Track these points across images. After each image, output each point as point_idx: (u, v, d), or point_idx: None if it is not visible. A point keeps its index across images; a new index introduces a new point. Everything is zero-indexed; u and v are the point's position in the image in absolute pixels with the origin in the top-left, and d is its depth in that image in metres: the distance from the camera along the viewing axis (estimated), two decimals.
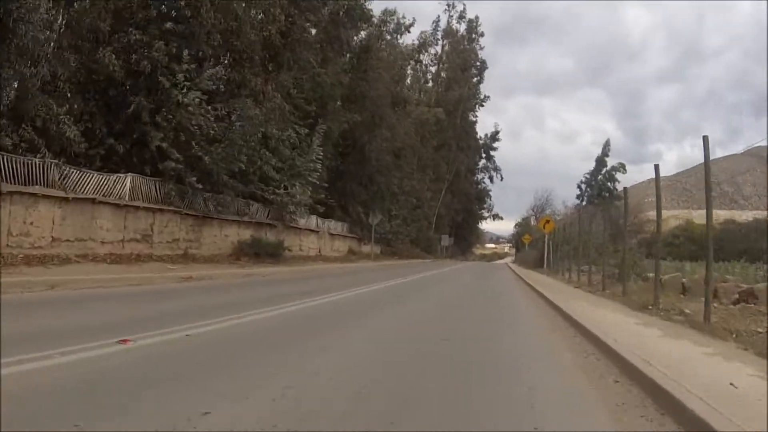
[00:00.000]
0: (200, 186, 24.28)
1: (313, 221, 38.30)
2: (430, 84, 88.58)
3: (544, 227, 43.86)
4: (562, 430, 4.52)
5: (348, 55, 45.84)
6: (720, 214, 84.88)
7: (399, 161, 55.65)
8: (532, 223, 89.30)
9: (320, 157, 32.15)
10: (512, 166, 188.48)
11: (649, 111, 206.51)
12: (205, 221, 25.86)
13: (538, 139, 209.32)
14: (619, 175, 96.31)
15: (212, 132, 23.97)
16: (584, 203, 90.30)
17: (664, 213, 52.23)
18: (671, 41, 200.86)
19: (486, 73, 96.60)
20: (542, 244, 46.81)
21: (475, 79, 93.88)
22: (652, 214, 25.58)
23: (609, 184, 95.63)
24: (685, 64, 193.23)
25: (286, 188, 29.53)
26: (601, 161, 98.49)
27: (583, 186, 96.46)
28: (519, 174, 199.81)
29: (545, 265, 42.88)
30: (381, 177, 47.46)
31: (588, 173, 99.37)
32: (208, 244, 26.10)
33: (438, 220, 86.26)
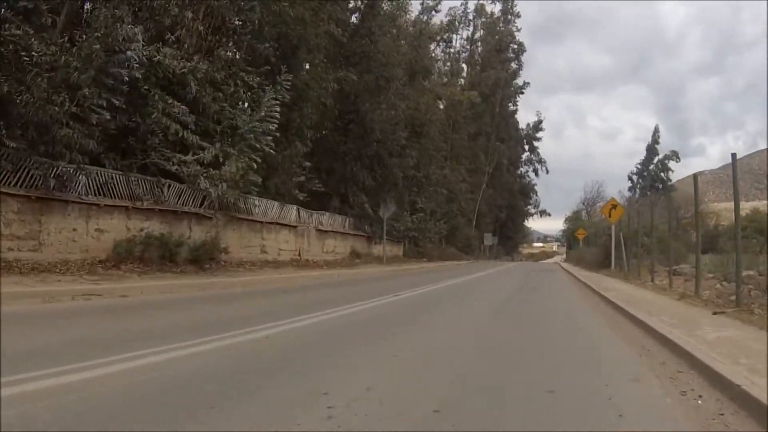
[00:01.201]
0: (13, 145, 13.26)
1: (292, 213, 26.74)
2: (463, 66, 76.15)
3: (609, 215, 31.46)
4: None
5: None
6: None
7: (420, 141, 43.65)
8: (584, 217, 75.98)
9: (275, 115, 20.54)
10: (555, 165, 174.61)
11: (690, 105, 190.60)
12: (48, 206, 14.68)
13: (580, 137, 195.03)
14: (672, 165, 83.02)
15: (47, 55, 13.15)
16: (637, 195, 77.30)
17: (716, 206, 45.47)
18: (708, 33, 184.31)
19: (524, 72, 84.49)
20: (606, 237, 34.31)
21: (513, 64, 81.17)
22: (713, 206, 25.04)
23: (662, 174, 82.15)
24: (723, 56, 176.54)
25: (196, 154, 18.01)
26: (652, 149, 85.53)
27: (635, 177, 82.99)
28: (563, 173, 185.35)
29: (612, 265, 30.43)
30: (392, 157, 35.59)
31: (639, 164, 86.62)
32: (56, 244, 14.85)
33: (479, 217, 73.97)
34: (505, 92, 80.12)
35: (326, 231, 31.64)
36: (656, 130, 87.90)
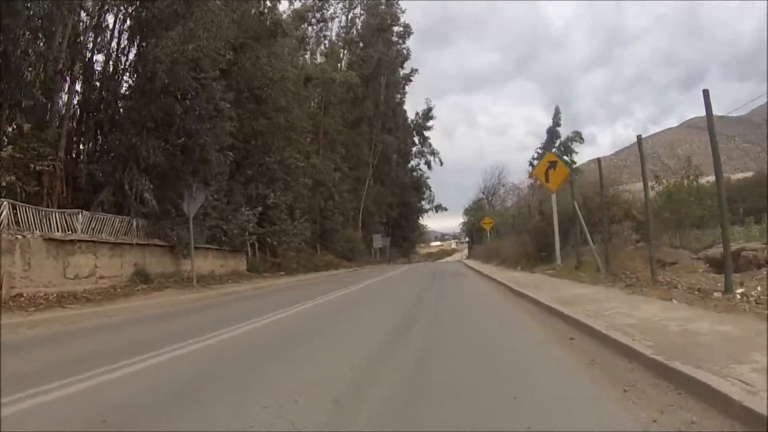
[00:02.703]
0: None
1: None
2: (342, 50, 62.58)
3: (546, 179, 18.79)
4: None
5: None
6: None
7: (263, 109, 29.81)
8: (486, 207, 64.02)
9: None
10: (450, 165, 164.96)
11: (579, 97, 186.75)
12: None
13: (473, 135, 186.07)
14: (576, 146, 73.21)
15: None
16: (538, 181, 66.49)
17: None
18: (594, 28, 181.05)
19: (415, 77, 72.20)
20: (539, 218, 21.62)
21: (398, 47, 68.64)
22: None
23: (566, 156, 71.94)
24: (610, 49, 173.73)
25: None
26: (553, 132, 75.58)
27: (536, 162, 72.25)
28: (457, 172, 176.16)
29: (558, 258, 17.97)
30: (195, 121, 21.33)
31: (540, 147, 76.28)
32: None
33: (367, 217, 60.90)
34: (390, 79, 67.74)
35: (75, 242, 17.15)
36: (557, 112, 77.95)
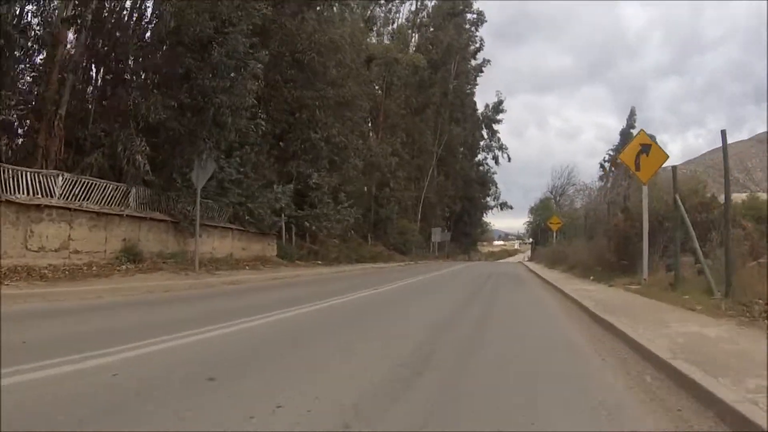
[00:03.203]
0: None
1: None
2: (411, 33, 58.11)
3: (636, 166, 13.76)
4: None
5: None
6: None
7: (310, 76, 26.00)
8: (554, 207, 58.17)
9: None
10: (517, 164, 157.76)
11: (651, 104, 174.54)
12: None
13: (542, 137, 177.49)
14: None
15: None
16: (609, 185, 60.16)
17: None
18: (669, 35, 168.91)
19: (486, 72, 66.86)
20: (625, 218, 16.55)
21: (469, 35, 63.50)
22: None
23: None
24: (685, 57, 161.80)
25: None
26: (626, 134, 68.83)
27: (607, 165, 65.80)
28: (524, 173, 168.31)
29: (645, 269, 12.98)
30: (209, 77, 17.58)
31: (611, 150, 69.95)
32: None
33: (427, 209, 56.37)
34: (461, 67, 62.67)
35: (42, 207, 13.77)
36: (632, 113, 71.59)
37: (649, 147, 13.79)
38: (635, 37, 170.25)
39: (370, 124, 42.80)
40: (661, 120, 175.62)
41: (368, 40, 47.56)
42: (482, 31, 66.61)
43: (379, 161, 35.05)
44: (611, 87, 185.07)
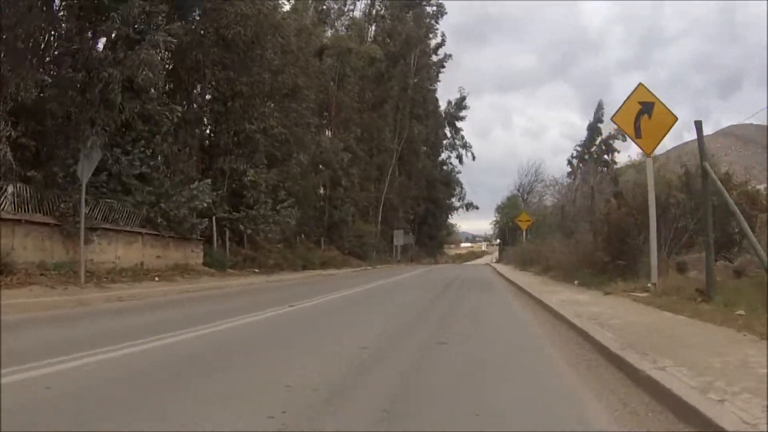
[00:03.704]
0: None
1: None
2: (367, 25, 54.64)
3: (636, 132, 10.42)
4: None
5: None
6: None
7: (230, 54, 22.36)
8: (521, 206, 55.18)
9: None
10: (482, 165, 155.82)
11: (617, 100, 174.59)
12: None
13: (507, 137, 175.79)
14: (618, 144, 64.14)
15: None
16: (576, 181, 57.67)
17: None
18: (630, 29, 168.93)
19: (450, 72, 63.28)
20: (619, 206, 13.21)
21: (428, 27, 60.35)
22: None
23: (607, 156, 63.09)
24: (647, 51, 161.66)
25: None
26: (594, 129, 66.16)
27: (575, 161, 63.46)
28: (490, 173, 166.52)
29: (654, 273, 9.67)
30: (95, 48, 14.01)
31: (579, 145, 67.31)
32: None
33: (389, 211, 52.98)
34: (421, 61, 59.50)
35: None
36: (600, 106, 67.90)
37: (651, 106, 10.48)
38: (597, 33, 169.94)
39: (324, 120, 39.28)
40: (611, 130, 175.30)
41: (323, 32, 44.19)
42: (443, 27, 63.86)
43: (330, 157, 31.46)
44: (575, 84, 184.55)
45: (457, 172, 70.37)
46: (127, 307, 11.42)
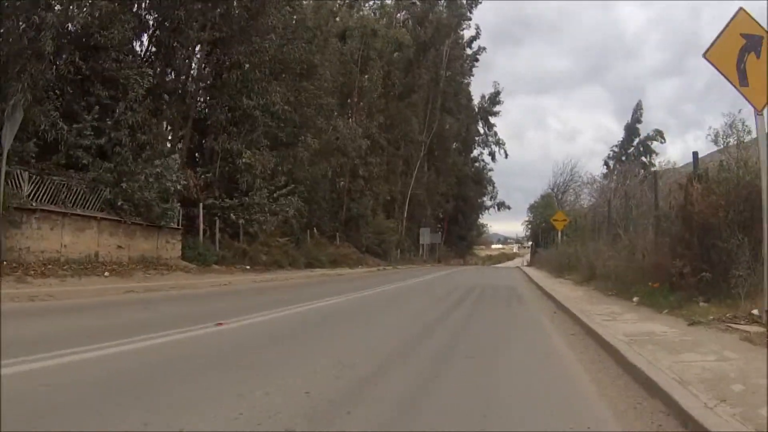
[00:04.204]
0: None
1: None
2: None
3: (740, 77, 6.70)
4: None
5: None
6: None
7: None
8: (557, 206, 50.94)
9: None
10: (516, 167, 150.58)
11: (650, 106, 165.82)
12: None
13: (540, 139, 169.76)
14: (656, 146, 60.58)
15: None
16: (613, 184, 53.05)
17: None
18: (667, 36, 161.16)
19: (484, 73, 59.71)
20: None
21: (461, 16, 56.62)
22: None
23: (644, 158, 58.82)
24: (683, 58, 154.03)
25: None
26: (632, 129, 63.48)
27: (611, 162, 59.24)
28: (523, 175, 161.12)
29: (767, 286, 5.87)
30: None
31: (616, 146, 64.14)
32: None
33: (416, 207, 49.47)
34: (453, 53, 55.85)
35: None
36: (639, 107, 64.44)
37: (759, 41, 6.82)
38: (633, 38, 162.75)
39: (346, 106, 35.94)
40: (660, 122, 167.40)
41: (348, 15, 40.96)
42: (477, 19, 60.30)
43: (346, 144, 28.03)
44: (609, 88, 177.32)
45: (489, 170, 66.55)
46: (24, 310, 8.41)
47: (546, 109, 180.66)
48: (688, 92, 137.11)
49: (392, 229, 37.74)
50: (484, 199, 67.43)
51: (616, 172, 55.86)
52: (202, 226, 19.50)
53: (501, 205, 67.55)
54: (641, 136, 61.81)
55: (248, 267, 19.50)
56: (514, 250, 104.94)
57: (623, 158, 57.56)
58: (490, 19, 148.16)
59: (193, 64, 20.97)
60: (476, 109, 64.86)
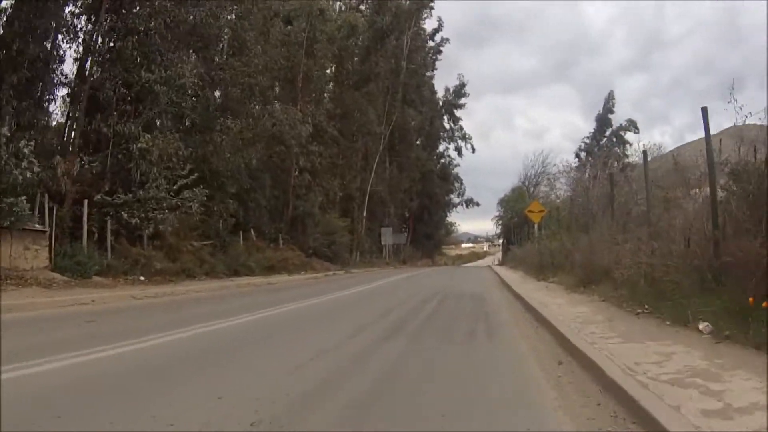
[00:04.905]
0: None
1: None
2: None
3: None
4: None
5: None
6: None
7: None
8: (528, 198, 47.26)
9: None
10: (484, 166, 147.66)
11: (619, 100, 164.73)
12: None
13: (509, 138, 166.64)
14: (630, 137, 56.74)
15: None
16: (587, 175, 49.79)
17: None
18: (632, 31, 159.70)
19: (447, 71, 55.93)
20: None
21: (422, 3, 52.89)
22: None
23: (617, 149, 55.99)
24: (649, 53, 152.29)
25: None
26: (603, 120, 61.30)
27: (583, 154, 56.29)
28: (492, 174, 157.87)
29: None
30: None
31: (587, 137, 61.78)
32: None
33: (376, 205, 45.52)
34: (415, 43, 52.15)
35: None
36: (610, 97, 62.19)
37: None
38: (599, 34, 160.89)
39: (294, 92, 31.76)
40: (627, 117, 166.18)
41: None
42: (441, 14, 56.77)
43: (283, 131, 23.85)
44: (576, 85, 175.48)
45: (456, 165, 62.81)
46: None
47: (513, 108, 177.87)
48: (654, 87, 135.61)
49: (344, 228, 33.50)
50: (452, 196, 63.70)
51: (588, 166, 52.64)
52: (86, 228, 15.31)
53: (469, 202, 63.83)
54: (613, 127, 59.35)
55: (142, 278, 15.28)
56: (485, 249, 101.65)
57: (596, 149, 54.72)
58: (457, 20, 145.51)
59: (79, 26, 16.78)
60: (441, 103, 61.28)
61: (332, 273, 26.59)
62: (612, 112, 60.94)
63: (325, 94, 39.93)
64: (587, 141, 60.90)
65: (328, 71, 37.19)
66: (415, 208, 55.60)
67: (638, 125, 59.72)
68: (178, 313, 9.99)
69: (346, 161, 38.99)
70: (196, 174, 16.85)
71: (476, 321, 8.54)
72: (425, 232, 60.68)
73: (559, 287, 12.92)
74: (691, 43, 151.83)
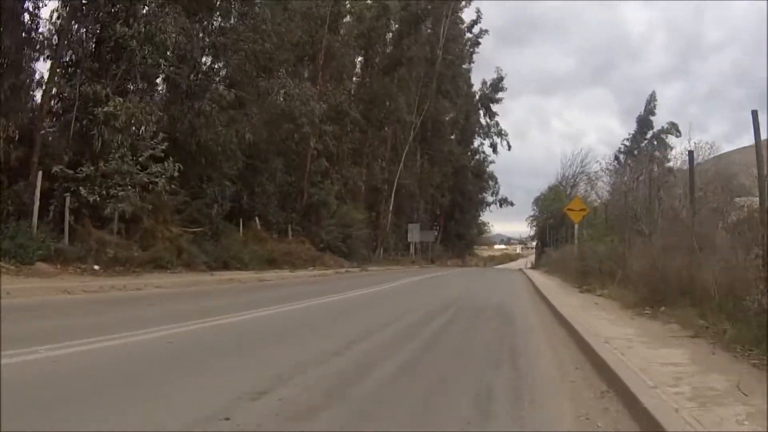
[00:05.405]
0: None
1: None
2: None
3: None
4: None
5: None
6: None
7: None
8: (565, 199, 43.51)
9: None
10: (520, 167, 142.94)
11: (657, 107, 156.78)
12: None
13: (544, 140, 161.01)
14: (671, 140, 51.16)
15: None
16: (626, 178, 45.67)
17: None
18: (671, 37, 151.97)
19: (484, 70, 52.59)
20: None
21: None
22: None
23: (658, 152, 51.48)
24: (687, 61, 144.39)
25: None
26: (644, 121, 57.02)
27: (622, 157, 51.98)
28: (527, 176, 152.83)
29: None
30: None
31: (627, 139, 56.75)
32: None
33: (403, 199, 42.31)
34: (451, 33, 48.94)
35: None
36: (652, 98, 57.62)
37: None
38: (639, 38, 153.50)
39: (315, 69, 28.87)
40: (664, 123, 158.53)
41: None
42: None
43: (293, 108, 20.90)
44: (614, 90, 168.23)
45: (491, 162, 59.18)
46: None
47: (550, 110, 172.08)
48: (691, 95, 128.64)
49: (363, 221, 30.29)
50: (485, 194, 60.07)
51: (628, 168, 48.26)
52: (37, 204, 12.68)
53: (504, 201, 60.05)
54: (654, 129, 55.27)
55: (96, 267, 12.54)
56: (518, 251, 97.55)
57: (635, 152, 50.67)
58: (494, 18, 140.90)
59: None
60: (477, 98, 57.83)
61: (344, 270, 23.61)
62: (653, 113, 57.00)
63: (354, 78, 37.19)
64: (627, 143, 56.89)
65: (353, 52, 34.14)
66: (446, 205, 52.26)
67: (679, 128, 55.45)
68: (88, 318, 7.18)
69: (372, 150, 35.97)
70: (166, 144, 14.03)
71: (495, 366, 5.23)
72: (456, 231, 57.28)
73: (613, 305, 9.55)
74: (730, 52, 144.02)
